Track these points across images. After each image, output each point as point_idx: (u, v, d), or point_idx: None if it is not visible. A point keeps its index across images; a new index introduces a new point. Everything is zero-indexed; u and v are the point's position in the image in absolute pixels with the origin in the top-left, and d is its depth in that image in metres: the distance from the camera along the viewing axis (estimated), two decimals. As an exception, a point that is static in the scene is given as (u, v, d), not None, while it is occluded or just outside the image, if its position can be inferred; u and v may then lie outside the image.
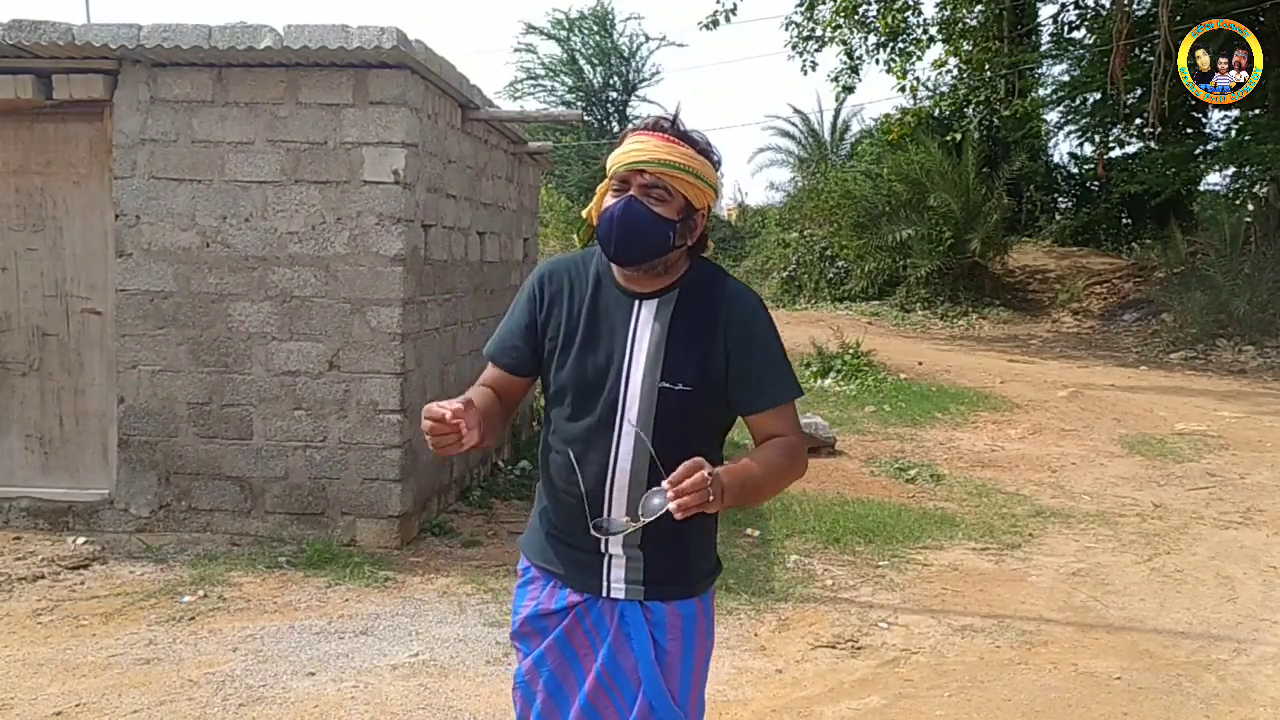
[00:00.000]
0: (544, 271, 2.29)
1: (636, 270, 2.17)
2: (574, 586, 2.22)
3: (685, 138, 2.15)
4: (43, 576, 5.27)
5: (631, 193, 2.13)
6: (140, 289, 5.89)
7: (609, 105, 35.28)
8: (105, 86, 5.79)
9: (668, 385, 2.12)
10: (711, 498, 1.90)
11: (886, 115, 20.99)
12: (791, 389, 2.21)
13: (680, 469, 1.90)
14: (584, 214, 2.24)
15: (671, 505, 1.88)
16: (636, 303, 2.19)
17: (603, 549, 2.18)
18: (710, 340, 2.16)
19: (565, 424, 2.20)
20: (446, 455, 2.04)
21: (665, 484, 1.91)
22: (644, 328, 2.17)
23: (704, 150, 2.17)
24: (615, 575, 2.19)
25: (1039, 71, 22.32)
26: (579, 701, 2.21)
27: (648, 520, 1.95)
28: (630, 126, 2.22)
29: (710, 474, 1.90)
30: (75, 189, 6.04)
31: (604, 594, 2.19)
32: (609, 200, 2.16)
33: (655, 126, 2.15)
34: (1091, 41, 20.68)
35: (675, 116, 2.17)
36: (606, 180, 2.18)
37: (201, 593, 5.08)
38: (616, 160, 2.15)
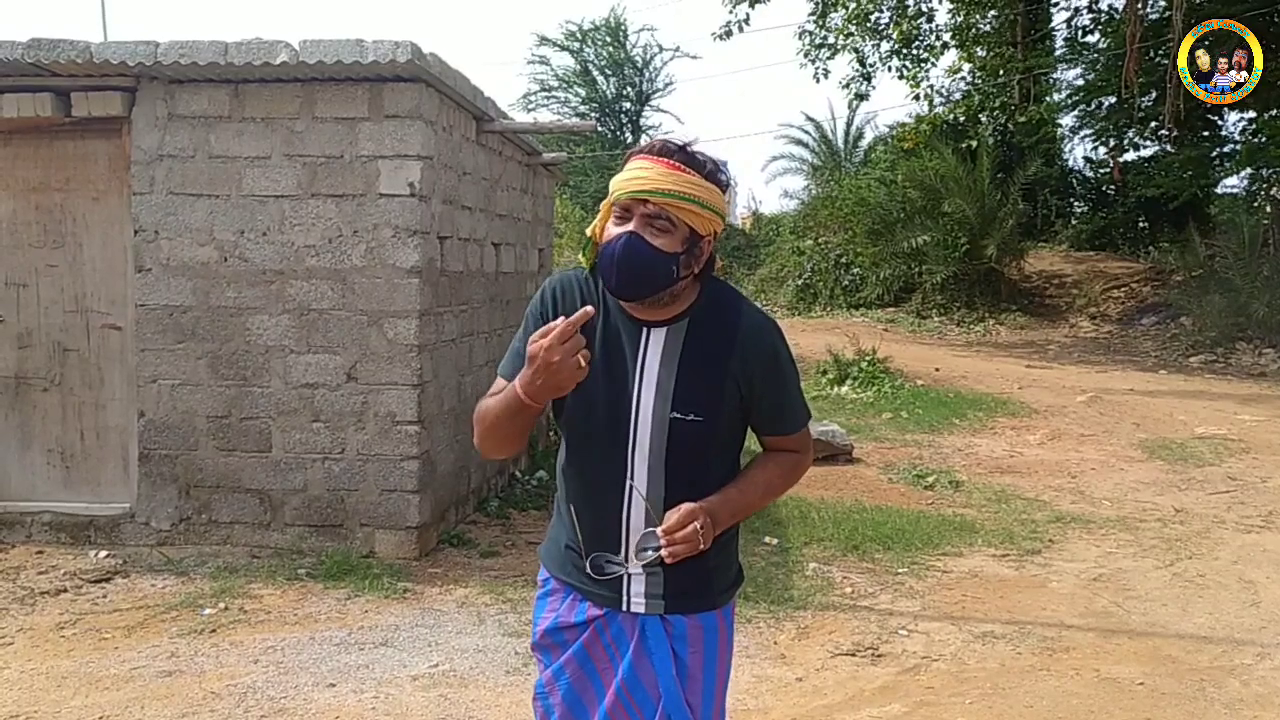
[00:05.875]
0: (552, 291, 2.22)
1: (641, 304, 2.12)
2: (594, 601, 2.20)
3: (691, 163, 2.05)
4: (65, 590, 5.31)
5: (632, 227, 2.04)
6: (159, 304, 5.93)
7: (622, 116, 35.43)
8: (123, 103, 5.85)
9: (679, 416, 2.08)
10: (703, 546, 2.03)
11: (901, 123, 20.99)
12: (804, 415, 2.28)
13: (675, 518, 2.02)
14: (588, 232, 2.17)
15: (664, 553, 2.02)
16: (645, 331, 2.13)
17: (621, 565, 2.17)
18: (724, 369, 2.12)
19: (578, 449, 2.18)
20: (561, 386, 1.96)
21: (659, 531, 2.03)
22: (653, 357, 2.12)
23: (711, 174, 2.06)
24: (635, 590, 2.16)
25: (1053, 76, 22.25)
26: (598, 716, 2.20)
27: (642, 564, 2.11)
28: (634, 148, 2.14)
29: (702, 525, 2.02)
30: (94, 205, 6.10)
31: (624, 608, 2.17)
32: (611, 228, 2.09)
33: (660, 151, 2.05)
34: (1105, 45, 20.63)
35: (685, 144, 2.07)
36: (608, 202, 2.11)
37: (222, 605, 5.11)
38: (619, 185, 2.07)
